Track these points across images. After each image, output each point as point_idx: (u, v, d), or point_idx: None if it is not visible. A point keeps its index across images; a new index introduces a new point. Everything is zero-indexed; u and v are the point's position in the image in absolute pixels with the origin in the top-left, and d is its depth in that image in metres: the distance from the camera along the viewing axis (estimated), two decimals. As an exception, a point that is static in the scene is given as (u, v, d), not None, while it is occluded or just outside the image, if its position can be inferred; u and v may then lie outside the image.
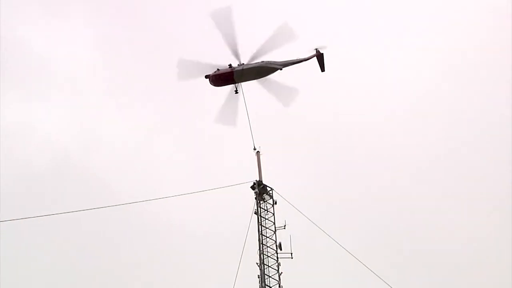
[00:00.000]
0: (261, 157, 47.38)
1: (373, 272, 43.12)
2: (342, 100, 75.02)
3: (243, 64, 46.81)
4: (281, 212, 45.06)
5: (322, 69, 45.73)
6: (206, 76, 47.35)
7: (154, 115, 79.13)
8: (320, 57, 45.49)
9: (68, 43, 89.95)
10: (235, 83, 47.32)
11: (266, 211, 45.39)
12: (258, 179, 46.35)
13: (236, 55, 46.38)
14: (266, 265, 43.14)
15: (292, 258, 43.26)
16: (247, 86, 47.89)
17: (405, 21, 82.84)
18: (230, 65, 47.13)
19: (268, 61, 46.39)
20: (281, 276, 42.78)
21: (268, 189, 46.08)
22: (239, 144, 51.00)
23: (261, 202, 45.69)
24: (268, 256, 43.48)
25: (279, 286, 42.32)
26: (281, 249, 43.66)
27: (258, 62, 46.59)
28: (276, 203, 45.63)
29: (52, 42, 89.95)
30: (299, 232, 44.56)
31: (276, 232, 44.44)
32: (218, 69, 47.40)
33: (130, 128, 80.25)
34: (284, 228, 44.39)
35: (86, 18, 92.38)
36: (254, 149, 47.41)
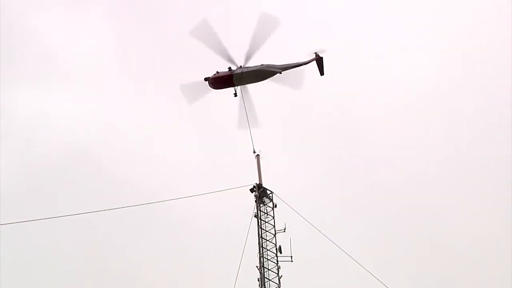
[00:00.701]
0: (261, 160, 47.45)
1: (374, 276, 43.19)
2: (342, 102, 75.01)
3: (241, 66, 46.78)
4: (282, 215, 45.20)
5: (322, 73, 45.69)
6: (206, 79, 47.40)
7: (165, 112, 78.70)
8: (319, 61, 45.47)
9: (83, 36, 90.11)
10: (235, 86, 47.30)
11: (266, 214, 45.53)
12: (258, 182, 46.44)
13: (231, 61, 46.47)
14: (266, 268, 43.28)
15: (292, 261, 43.37)
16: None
17: (405, 23, 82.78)
18: (229, 68, 47.15)
19: (268, 64, 46.39)
20: (281, 279, 42.94)
21: (268, 192, 46.15)
22: (241, 146, 50.93)
23: (261, 205, 45.79)
24: (268, 259, 43.61)
25: (279, 289, 42.55)
26: (281, 252, 43.77)
27: (258, 66, 46.59)
28: (276, 206, 45.72)
29: (66, 34, 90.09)
30: (299, 235, 44.68)
31: (276, 235, 44.57)
32: (217, 72, 47.44)
33: (142, 124, 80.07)
34: (284, 231, 44.50)
35: (100, 11, 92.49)
36: (254, 152, 47.50)
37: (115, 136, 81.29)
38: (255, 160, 47.32)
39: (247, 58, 46.25)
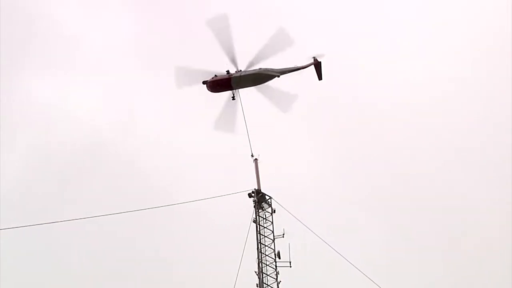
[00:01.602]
0: (260, 164, 47.18)
1: (374, 283, 42.93)
2: (342, 105, 74.63)
3: (240, 70, 46.78)
4: (281, 219, 44.94)
5: (320, 78, 45.69)
6: (204, 82, 47.49)
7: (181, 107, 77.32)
8: (317, 65, 45.39)
9: (104, 24, 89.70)
10: (233, 89, 47.29)
11: (264, 220, 45.28)
12: (256, 188, 46.12)
13: (234, 62, 46.46)
14: (264, 273, 43.11)
15: (290, 266, 43.16)
16: (244, 92, 47.76)
17: (405, 25, 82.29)
18: (228, 71, 47.19)
19: (266, 68, 46.29)
20: (279, 285, 42.75)
21: (267, 197, 45.89)
22: (241, 150, 50.39)
23: (259, 210, 45.54)
24: (266, 265, 43.43)
25: (278, 295, 42.36)
26: (279, 258, 43.57)
27: (256, 69, 46.51)
28: (275, 212, 45.46)
29: (87, 23, 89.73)
30: (298, 240, 44.39)
31: (275, 241, 44.32)
32: (215, 75, 47.46)
33: (162, 117, 79.53)
34: (283, 237, 44.24)
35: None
36: (252, 156, 47.23)
37: (133, 129, 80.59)
38: (254, 164, 47.01)
39: (249, 65, 46.30)
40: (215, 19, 45.77)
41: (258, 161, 47.01)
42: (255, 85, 46.96)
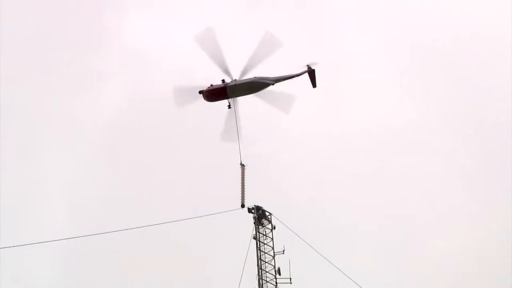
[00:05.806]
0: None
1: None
2: (337, 115, 72.64)
3: (236, 79, 45.91)
4: (281, 235, 43.96)
5: (314, 85, 44.85)
6: (200, 92, 46.81)
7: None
8: (311, 73, 44.49)
9: None
10: (228, 98, 46.47)
11: (265, 236, 44.38)
12: (256, 204, 45.10)
13: (227, 72, 45.65)
14: (265, 290, 42.41)
15: (291, 283, 42.51)
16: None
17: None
18: (223, 81, 46.43)
19: (261, 77, 45.36)
20: (280, 301, 42.13)
21: (267, 214, 44.95)
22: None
23: (259, 227, 44.60)
24: (267, 281, 42.86)
25: (278, 312, 41.64)
26: (280, 274, 42.89)
27: (251, 78, 45.51)
28: (275, 228, 44.57)
29: None
30: (298, 257, 43.32)
31: (275, 257, 43.51)
32: (211, 85, 46.73)
33: None
34: (283, 253, 43.37)
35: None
36: (242, 164, 46.21)
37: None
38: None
39: (243, 73, 45.36)
40: (202, 33, 44.79)
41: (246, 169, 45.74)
42: (251, 93, 46.00)
